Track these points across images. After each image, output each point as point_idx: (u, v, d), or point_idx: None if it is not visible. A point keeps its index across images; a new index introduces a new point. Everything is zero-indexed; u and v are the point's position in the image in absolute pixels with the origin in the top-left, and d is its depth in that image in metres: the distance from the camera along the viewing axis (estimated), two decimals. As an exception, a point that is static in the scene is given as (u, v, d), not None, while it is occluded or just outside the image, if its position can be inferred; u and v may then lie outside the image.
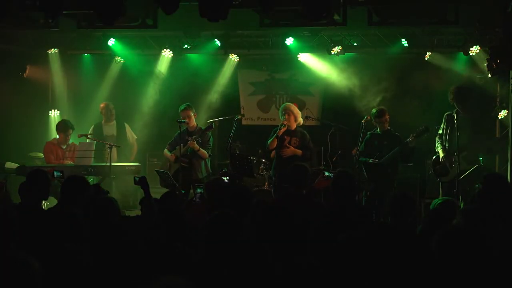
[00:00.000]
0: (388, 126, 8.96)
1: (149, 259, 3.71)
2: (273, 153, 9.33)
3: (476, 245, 3.48)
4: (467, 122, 8.37)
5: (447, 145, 8.66)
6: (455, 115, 8.38)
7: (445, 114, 8.74)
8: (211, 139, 9.45)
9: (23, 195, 5.59)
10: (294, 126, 9.15)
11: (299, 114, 9.26)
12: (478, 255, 3.47)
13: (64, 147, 9.90)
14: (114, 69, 11.58)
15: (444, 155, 8.63)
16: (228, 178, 8.77)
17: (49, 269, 3.14)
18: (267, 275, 3.62)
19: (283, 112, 9.18)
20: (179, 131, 9.18)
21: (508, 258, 3.96)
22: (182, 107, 9.40)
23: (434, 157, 8.75)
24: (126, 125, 10.67)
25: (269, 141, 9.12)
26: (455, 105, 8.58)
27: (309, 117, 10.55)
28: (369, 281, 3.60)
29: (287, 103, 9.60)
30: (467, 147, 8.30)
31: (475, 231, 3.61)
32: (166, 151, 9.59)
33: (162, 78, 11.50)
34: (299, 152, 9.02)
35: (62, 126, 9.96)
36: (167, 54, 11.02)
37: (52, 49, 11.06)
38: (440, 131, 8.74)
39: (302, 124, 9.59)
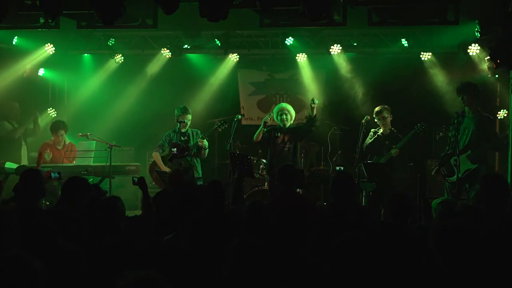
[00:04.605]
0: (391, 126, 9.00)
1: (148, 259, 3.71)
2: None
3: (473, 243, 3.48)
4: (471, 122, 8.35)
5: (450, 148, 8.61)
6: (455, 114, 8.36)
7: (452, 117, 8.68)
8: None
9: (19, 196, 5.59)
10: (288, 124, 9.18)
11: (294, 112, 9.33)
12: (475, 254, 3.47)
13: (60, 147, 9.90)
14: (112, 68, 11.57)
15: (436, 168, 8.67)
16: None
17: (46, 269, 3.13)
18: (266, 273, 3.62)
19: (280, 113, 9.17)
20: (168, 132, 9.44)
21: (505, 255, 3.97)
22: (182, 111, 9.45)
23: (442, 154, 8.69)
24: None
25: (255, 135, 9.18)
26: (460, 99, 8.50)
27: (309, 117, 10.56)
28: (368, 281, 3.60)
29: (283, 103, 9.60)
30: (471, 146, 8.27)
31: (471, 229, 3.61)
32: (157, 154, 9.61)
33: (158, 79, 11.52)
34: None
35: (53, 127, 10.03)
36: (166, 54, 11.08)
37: (52, 49, 11.04)
38: (449, 134, 8.68)
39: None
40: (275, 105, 11.49)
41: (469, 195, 7.97)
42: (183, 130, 9.46)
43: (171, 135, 9.48)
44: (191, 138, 9.44)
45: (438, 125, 9.92)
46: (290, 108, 9.26)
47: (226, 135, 9.55)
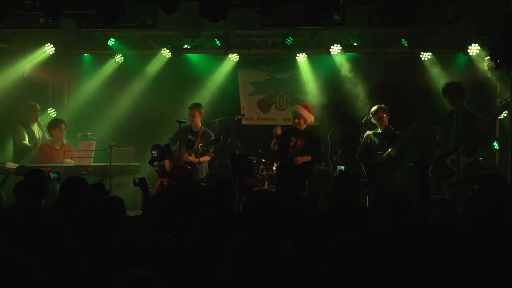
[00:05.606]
0: (390, 125, 9.02)
1: (148, 259, 3.71)
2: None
3: (472, 243, 3.48)
4: (463, 120, 8.36)
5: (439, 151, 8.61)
6: (453, 115, 8.37)
7: (443, 117, 8.71)
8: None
9: (20, 195, 5.59)
10: (303, 127, 9.26)
11: (310, 116, 9.41)
12: (474, 253, 3.47)
13: (58, 147, 9.90)
14: (112, 68, 11.57)
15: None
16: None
17: (46, 269, 3.13)
18: (266, 273, 3.62)
19: (294, 116, 9.31)
20: (178, 129, 9.26)
21: (504, 255, 3.97)
22: (190, 105, 9.59)
23: (437, 156, 8.69)
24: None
25: (271, 145, 9.28)
26: (447, 100, 8.58)
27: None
28: (368, 281, 3.60)
29: (297, 106, 9.66)
30: (463, 142, 8.29)
31: (470, 229, 3.61)
32: None
33: (158, 79, 11.53)
34: (307, 158, 9.12)
35: (54, 123, 10.03)
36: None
37: (52, 49, 11.04)
38: (439, 135, 8.70)
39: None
40: (275, 105, 11.70)
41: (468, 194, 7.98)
42: (194, 129, 9.50)
43: (182, 131, 9.37)
44: (197, 139, 9.42)
45: (437, 125, 9.90)
46: (303, 112, 9.35)
47: (226, 135, 9.56)
